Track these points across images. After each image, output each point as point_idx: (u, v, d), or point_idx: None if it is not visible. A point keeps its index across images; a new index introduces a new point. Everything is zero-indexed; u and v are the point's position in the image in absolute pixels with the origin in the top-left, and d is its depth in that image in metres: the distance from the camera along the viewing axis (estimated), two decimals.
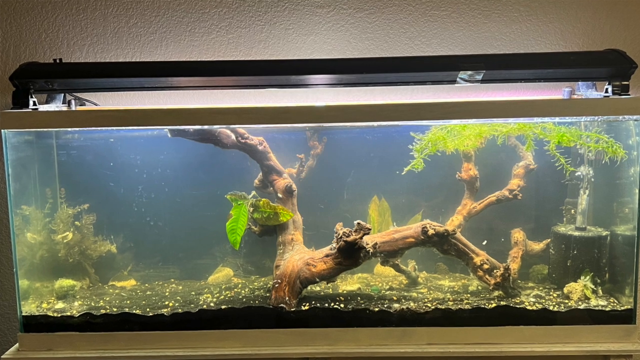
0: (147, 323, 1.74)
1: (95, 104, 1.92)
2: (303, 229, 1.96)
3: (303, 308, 1.76)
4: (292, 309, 1.75)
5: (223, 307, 1.78)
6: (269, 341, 1.71)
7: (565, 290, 1.83)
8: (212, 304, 1.82)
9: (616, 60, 1.68)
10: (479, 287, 1.90)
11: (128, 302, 1.87)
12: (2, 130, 1.68)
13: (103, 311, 1.78)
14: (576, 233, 1.87)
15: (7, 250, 2.08)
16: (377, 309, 1.74)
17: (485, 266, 1.84)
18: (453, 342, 1.70)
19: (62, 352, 1.71)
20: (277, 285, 1.79)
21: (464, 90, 2.02)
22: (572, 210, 1.94)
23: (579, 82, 1.75)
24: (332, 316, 1.74)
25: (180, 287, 2.01)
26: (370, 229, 1.75)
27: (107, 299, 1.91)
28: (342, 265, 1.79)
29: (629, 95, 1.64)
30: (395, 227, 1.90)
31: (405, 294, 1.88)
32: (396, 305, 1.77)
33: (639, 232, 1.70)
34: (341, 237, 1.76)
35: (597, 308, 1.73)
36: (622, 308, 1.73)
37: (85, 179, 2.02)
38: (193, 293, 1.94)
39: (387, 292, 1.90)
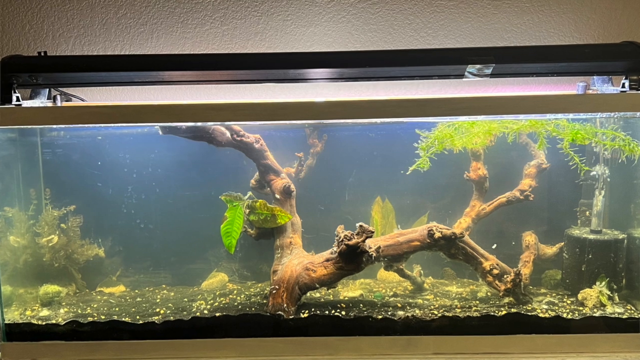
0: (137, 331, 1.74)
1: (82, 100, 1.92)
2: (302, 231, 1.97)
3: (302, 315, 1.76)
4: (291, 317, 1.75)
5: (217, 314, 1.78)
6: (266, 350, 1.71)
7: (579, 296, 1.83)
8: (205, 312, 1.82)
9: (633, 53, 1.68)
10: (489, 294, 1.91)
11: (117, 309, 1.87)
12: None
13: (90, 319, 1.78)
14: (591, 236, 1.87)
15: None
16: (380, 317, 1.74)
17: (495, 271, 1.84)
18: (461, 351, 1.70)
19: None
20: (274, 292, 1.79)
21: (473, 85, 2.02)
22: (587, 212, 1.94)
23: (594, 77, 1.75)
24: (332, 324, 1.74)
25: (172, 294, 2.02)
26: (373, 232, 1.76)
27: (95, 305, 1.91)
28: (344, 270, 1.79)
29: None
30: (400, 229, 1.90)
31: (410, 300, 1.89)
32: (401, 313, 1.77)
33: None
34: (342, 241, 1.76)
35: (613, 315, 1.73)
36: None
37: (71, 179, 2.02)
38: (186, 300, 1.94)
39: (391, 299, 1.90)
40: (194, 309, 1.84)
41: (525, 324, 1.71)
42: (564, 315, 1.74)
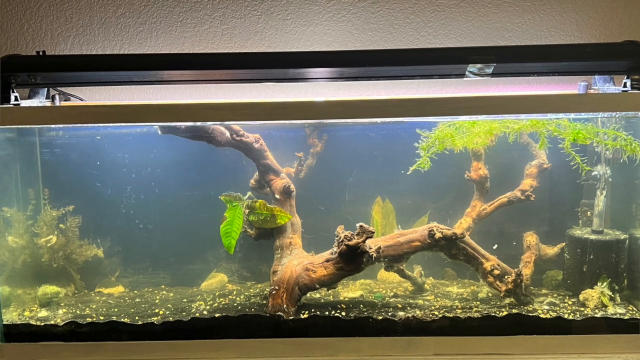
0: (136, 332, 1.74)
1: (81, 99, 1.92)
2: (302, 232, 1.97)
3: (302, 316, 1.76)
4: (291, 317, 1.75)
5: (217, 315, 1.78)
6: (265, 351, 1.71)
7: (581, 297, 1.83)
8: (205, 312, 1.82)
9: (635, 52, 1.68)
10: (489, 294, 1.91)
11: (116, 309, 1.87)
12: None
13: (89, 319, 1.78)
14: (592, 236, 1.87)
15: None
16: (380, 317, 1.74)
17: (496, 272, 1.84)
18: (461, 352, 1.69)
19: None
20: (274, 292, 1.79)
21: (474, 85, 2.02)
22: (589, 212, 1.94)
23: (596, 76, 1.75)
24: (332, 325, 1.74)
25: (172, 294, 2.02)
26: (373, 232, 1.75)
27: (94, 306, 1.91)
28: (344, 270, 1.80)
29: None
30: (400, 230, 1.90)
31: (411, 301, 1.88)
32: (401, 313, 1.77)
33: None
34: (342, 241, 1.76)
35: (614, 316, 1.73)
36: None
37: (70, 179, 2.02)
38: (185, 300, 1.94)
39: (392, 300, 1.90)
40: (193, 310, 1.84)
41: (526, 325, 1.71)
42: (565, 316, 1.74)
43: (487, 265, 1.85)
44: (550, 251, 1.98)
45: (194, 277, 2.09)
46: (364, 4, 2.01)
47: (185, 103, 1.68)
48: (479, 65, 1.65)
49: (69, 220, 2.01)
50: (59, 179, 2.01)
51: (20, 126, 1.80)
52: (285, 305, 1.77)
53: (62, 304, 1.92)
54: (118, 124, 1.82)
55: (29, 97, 1.77)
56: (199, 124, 1.83)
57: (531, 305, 1.81)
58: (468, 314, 1.75)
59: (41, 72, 1.72)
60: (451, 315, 1.74)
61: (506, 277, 1.83)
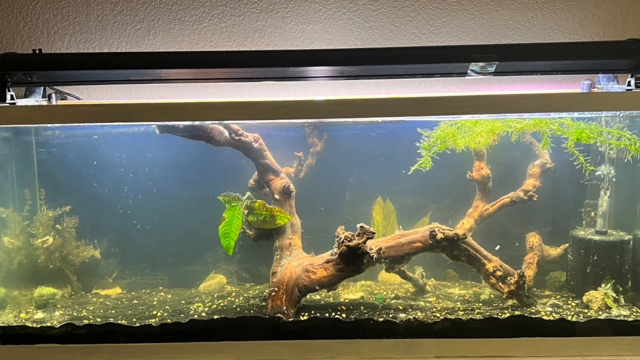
0: (133, 334, 1.74)
1: (78, 98, 1.92)
2: (302, 232, 1.97)
3: (302, 318, 1.76)
4: (290, 319, 1.75)
5: (215, 317, 1.78)
6: (264, 353, 1.71)
7: (584, 299, 1.83)
8: (203, 314, 1.82)
9: (639, 50, 1.67)
10: (492, 296, 1.91)
11: (113, 311, 1.87)
12: None
13: (86, 321, 1.78)
14: (596, 237, 1.87)
15: None
16: (381, 319, 1.74)
17: (498, 273, 1.84)
18: (464, 354, 1.69)
19: None
20: (273, 294, 1.79)
21: (475, 84, 2.02)
22: (592, 213, 1.94)
23: (600, 75, 1.75)
24: (333, 327, 1.74)
25: (170, 296, 2.02)
26: (374, 233, 1.75)
27: (91, 308, 1.91)
28: (344, 272, 1.80)
29: None
30: (401, 230, 1.90)
31: (412, 303, 1.88)
32: (402, 315, 1.77)
33: None
34: (343, 242, 1.76)
35: (618, 318, 1.73)
36: None
37: (67, 179, 2.02)
38: (183, 302, 1.94)
39: (393, 301, 1.90)
40: (192, 312, 1.84)
41: (529, 327, 1.71)
42: (569, 318, 1.74)
43: (490, 267, 1.85)
44: (554, 252, 1.98)
45: (192, 278, 2.09)
46: (364, 1, 2.01)
47: (184, 102, 1.68)
48: (481, 64, 1.65)
49: (66, 220, 2.01)
50: (56, 179, 2.01)
51: (17, 125, 1.80)
52: (284, 307, 1.77)
53: (59, 306, 1.92)
54: (115, 123, 1.82)
55: (25, 96, 1.77)
56: (197, 123, 1.83)
57: (534, 307, 1.81)
58: (470, 316, 1.75)
59: (37, 70, 1.72)
60: (453, 317, 1.74)
61: (509, 278, 1.83)
